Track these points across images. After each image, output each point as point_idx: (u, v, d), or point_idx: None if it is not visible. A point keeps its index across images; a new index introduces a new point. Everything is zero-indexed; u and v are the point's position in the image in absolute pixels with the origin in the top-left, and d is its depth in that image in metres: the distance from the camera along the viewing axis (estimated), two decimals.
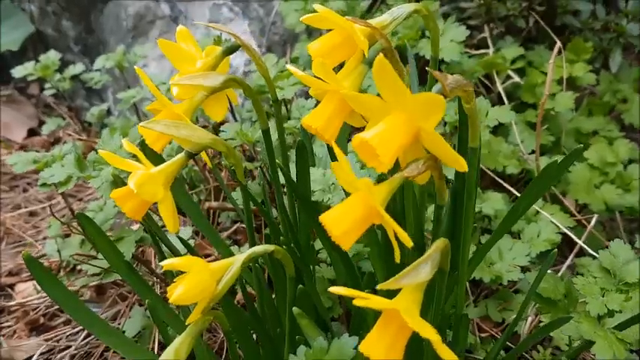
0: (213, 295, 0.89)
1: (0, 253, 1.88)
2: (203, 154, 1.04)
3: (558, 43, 1.72)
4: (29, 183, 2.28)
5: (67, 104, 2.67)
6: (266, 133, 1.13)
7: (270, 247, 0.93)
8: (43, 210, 2.07)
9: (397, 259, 0.79)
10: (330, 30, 0.95)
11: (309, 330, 0.94)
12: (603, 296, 1.03)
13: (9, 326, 1.63)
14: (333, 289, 0.76)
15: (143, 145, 1.16)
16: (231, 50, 1.07)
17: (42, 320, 1.63)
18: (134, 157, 1.00)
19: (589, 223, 1.59)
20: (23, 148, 2.47)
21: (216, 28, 1.10)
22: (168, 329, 1.20)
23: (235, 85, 1.07)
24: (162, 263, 0.88)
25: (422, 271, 0.77)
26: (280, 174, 1.14)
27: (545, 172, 1.10)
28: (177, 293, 0.86)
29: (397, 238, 0.77)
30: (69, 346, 1.53)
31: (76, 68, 2.08)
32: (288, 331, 0.98)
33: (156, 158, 1.19)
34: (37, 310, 1.65)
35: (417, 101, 0.76)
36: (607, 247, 1.10)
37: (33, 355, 1.52)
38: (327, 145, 1.07)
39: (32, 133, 2.63)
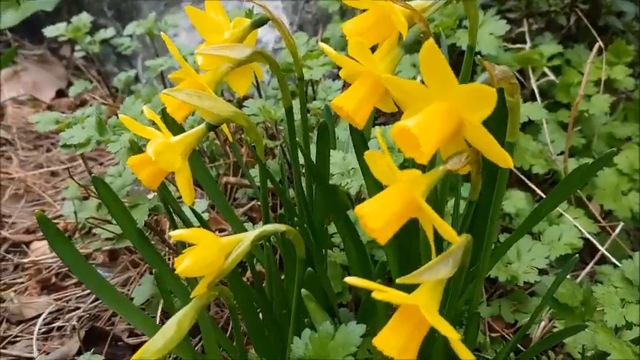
0: (220, 270, 0.88)
1: (19, 210, 1.90)
2: (224, 128, 1.02)
3: (598, 43, 1.66)
4: (53, 143, 2.29)
5: (97, 68, 2.67)
6: (289, 111, 1.11)
7: (282, 227, 0.91)
8: (64, 171, 2.08)
9: (433, 256, 0.77)
10: (365, 10, 0.92)
11: (315, 314, 0.92)
12: (623, 307, 0.99)
13: (21, 282, 1.64)
14: (349, 279, 0.74)
15: (164, 114, 1.15)
16: (260, 23, 1.05)
17: (54, 280, 1.64)
18: (154, 125, 0.99)
19: (613, 230, 1.54)
20: (50, 108, 2.49)
21: (247, 0, 1.08)
22: (174, 300, 1.20)
23: (262, 60, 1.05)
24: (171, 233, 0.87)
25: (443, 268, 0.75)
26: (300, 154, 1.12)
27: (573, 175, 1.07)
28: (184, 265, 0.84)
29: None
30: (78, 308, 1.54)
31: (107, 32, 2.08)
32: (294, 313, 0.97)
33: (176, 128, 1.18)
34: (50, 269, 1.66)
35: (465, 92, 0.73)
36: (630, 257, 1.06)
37: (42, 314, 1.53)
38: (350, 128, 1.04)
39: (60, 94, 2.63)
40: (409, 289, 0.74)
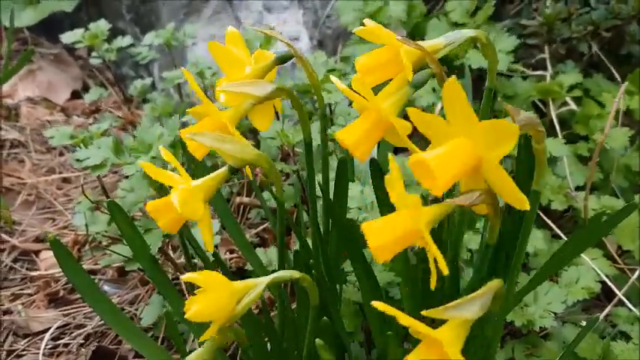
0: (230, 315, 0.86)
1: (29, 218, 1.89)
2: (246, 168, 1.01)
3: (624, 84, 1.63)
4: (66, 147, 2.28)
5: (113, 71, 2.67)
6: (308, 146, 1.09)
7: (296, 274, 0.90)
8: (76, 178, 2.07)
9: (432, 285, 0.77)
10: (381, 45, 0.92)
11: None
12: None
13: (29, 294, 1.64)
14: (375, 304, 0.74)
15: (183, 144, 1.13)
16: (283, 60, 1.03)
17: (62, 293, 1.64)
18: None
19: (630, 270, 1.52)
20: (64, 110, 2.48)
21: (269, 33, 1.06)
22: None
23: (284, 96, 1.04)
24: (182, 277, 0.86)
25: (470, 308, 0.75)
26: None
27: (596, 223, 1.04)
28: (193, 310, 0.84)
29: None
30: (85, 325, 1.53)
31: (124, 41, 2.06)
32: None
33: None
34: (58, 282, 1.66)
35: (486, 128, 0.73)
36: None
37: (49, 328, 1.52)
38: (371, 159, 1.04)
39: (75, 95, 2.63)
40: None
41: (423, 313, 0.74)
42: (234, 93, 0.97)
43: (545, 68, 1.93)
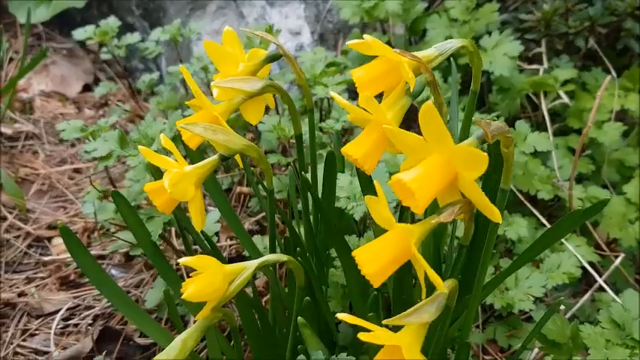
0: (223, 296, 0.94)
1: (42, 206, 1.98)
2: (237, 158, 1.08)
3: (612, 75, 1.67)
4: (78, 138, 2.36)
5: (123, 64, 2.75)
6: (299, 139, 1.16)
7: (284, 257, 0.97)
8: (87, 169, 2.15)
9: (423, 296, 0.83)
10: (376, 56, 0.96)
11: (310, 341, 0.98)
12: (607, 349, 1.03)
13: (42, 278, 1.73)
14: (340, 316, 0.81)
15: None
16: (273, 59, 1.10)
17: (72, 277, 1.73)
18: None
19: (617, 257, 1.57)
20: (76, 103, 2.57)
21: (263, 36, 1.12)
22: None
23: (274, 91, 1.10)
24: (179, 261, 0.93)
25: (427, 312, 0.82)
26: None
27: (578, 211, 1.09)
28: (190, 291, 0.91)
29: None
30: (94, 306, 1.62)
31: (133, 37, 2.14)
32: (291, 338, 1.03)
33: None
34: (69, 266, 1.75)
35: (459, 153, 0.79)
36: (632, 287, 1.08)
37: (60, 309, 1.62)
38: None
39: (87, 88, 2.72)
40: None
41: (385, 322, 0.80)
42: (226, 88, 1.03)
43: (541, 62, 1.97)
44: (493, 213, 0.80)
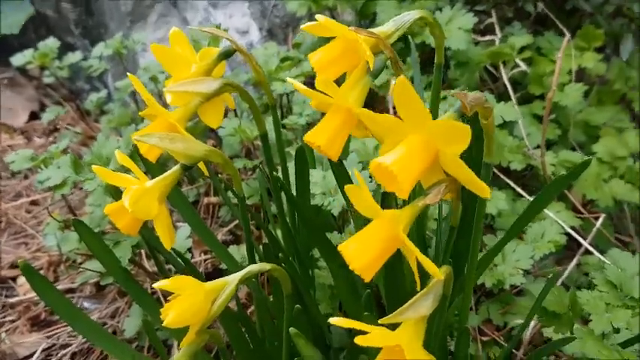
0: (207, 317, 0.87)
1: (2, 245, 1.87)
2: (200, 165, 1.01)
3: (567, 36, 1.66)
4: (30, 169, 2.25)
5: (68, 87, 2.64)
6: (264, 138, 1.10)
7: (267, 266, 0.91)
8: (44, 200, 2.05)
9: (417, 287, 0.78)
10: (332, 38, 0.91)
11: (306, 351, 0.92)
12: (608, 312, 1.00)
13: (11, 321, 1.63)
14: (333, 320, 0.75)
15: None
16: (227, 55, 1.04)
17: (43, 315, 1.63)
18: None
19: (595, 218, 1.56)
20: (24, 133, 2.45)
21: (213, 32, 1.06)
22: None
23: (232, 90, 1.04)
24: (154, 285, 0.86)
25: (424, 304, 0.77)
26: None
27: (555, 181, 1.07)
28: (170, 317, 0.84)
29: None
30: (70, 344, 1.53)
31: (75, 56, 2.04)
32: (285, 350, 0.97)
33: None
34: (38, 305, 1.65)
35: (439, 128, 0.74)
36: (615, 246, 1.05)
37: (35, 352, 1.52)
38: None
39: (33, 116, 2.60)
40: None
41: (381, 321, 0.74)
42: (181, 92, 0.97)
43: (494, 32, 1.95)
44: (481, 188, 0.75)
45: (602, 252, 1.45)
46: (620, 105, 1.87)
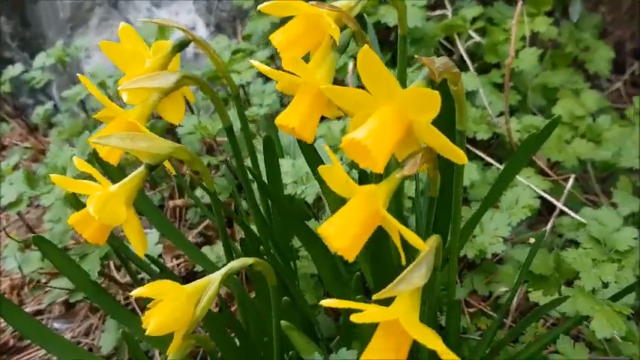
0: (191, 320, 0.83)
1: None
2: (166, 163, 0.96)
3: (520, 3, 1.66)
4: None
5: (12, 103, 2.52)
6: (229, 131, 1.05)
7: (249, 260, 0.87)
8: None
9: (403, 262, 0.75)
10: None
11: (300, 343, 0.88)
12: (596, 268, 1.00)
13: None
14: (325, 302, 0.71)
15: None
16: (182, 46, 0.99)
17: (12, 342, 1.55)
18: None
19: (564, 180, 1.56)
20: None
21: (161, 24, 1.01)
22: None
23: (191, 83, 0.99)
24: (132, 293, 0.81)
25: (417, 275, 0.73)
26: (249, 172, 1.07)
27: (524, 146, 1.06)
28: (153, 324, 0.79)
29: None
30: None
31: (15, 69, 1.95)
32: (276, 345, 0.93)
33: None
34: (5, 332, 1.56)
35: (409, 96, 0.71)
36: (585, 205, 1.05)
37: None
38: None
39: None
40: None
41: (375, 296, 0.71)
42: (137, 89, 0.91)
43: (444, 7, 1.95)
44: (457, 154, 0.73)
45: (575, 212, 1.45)
46: (573, 67, 1.89)
